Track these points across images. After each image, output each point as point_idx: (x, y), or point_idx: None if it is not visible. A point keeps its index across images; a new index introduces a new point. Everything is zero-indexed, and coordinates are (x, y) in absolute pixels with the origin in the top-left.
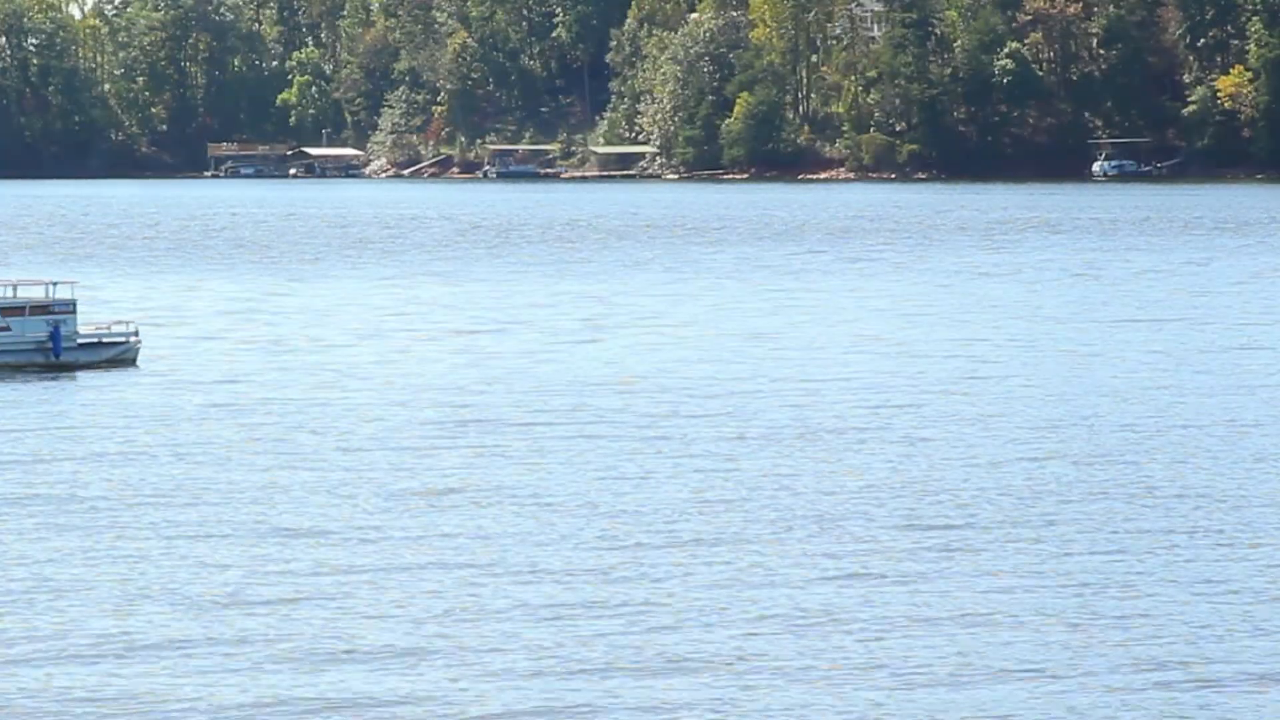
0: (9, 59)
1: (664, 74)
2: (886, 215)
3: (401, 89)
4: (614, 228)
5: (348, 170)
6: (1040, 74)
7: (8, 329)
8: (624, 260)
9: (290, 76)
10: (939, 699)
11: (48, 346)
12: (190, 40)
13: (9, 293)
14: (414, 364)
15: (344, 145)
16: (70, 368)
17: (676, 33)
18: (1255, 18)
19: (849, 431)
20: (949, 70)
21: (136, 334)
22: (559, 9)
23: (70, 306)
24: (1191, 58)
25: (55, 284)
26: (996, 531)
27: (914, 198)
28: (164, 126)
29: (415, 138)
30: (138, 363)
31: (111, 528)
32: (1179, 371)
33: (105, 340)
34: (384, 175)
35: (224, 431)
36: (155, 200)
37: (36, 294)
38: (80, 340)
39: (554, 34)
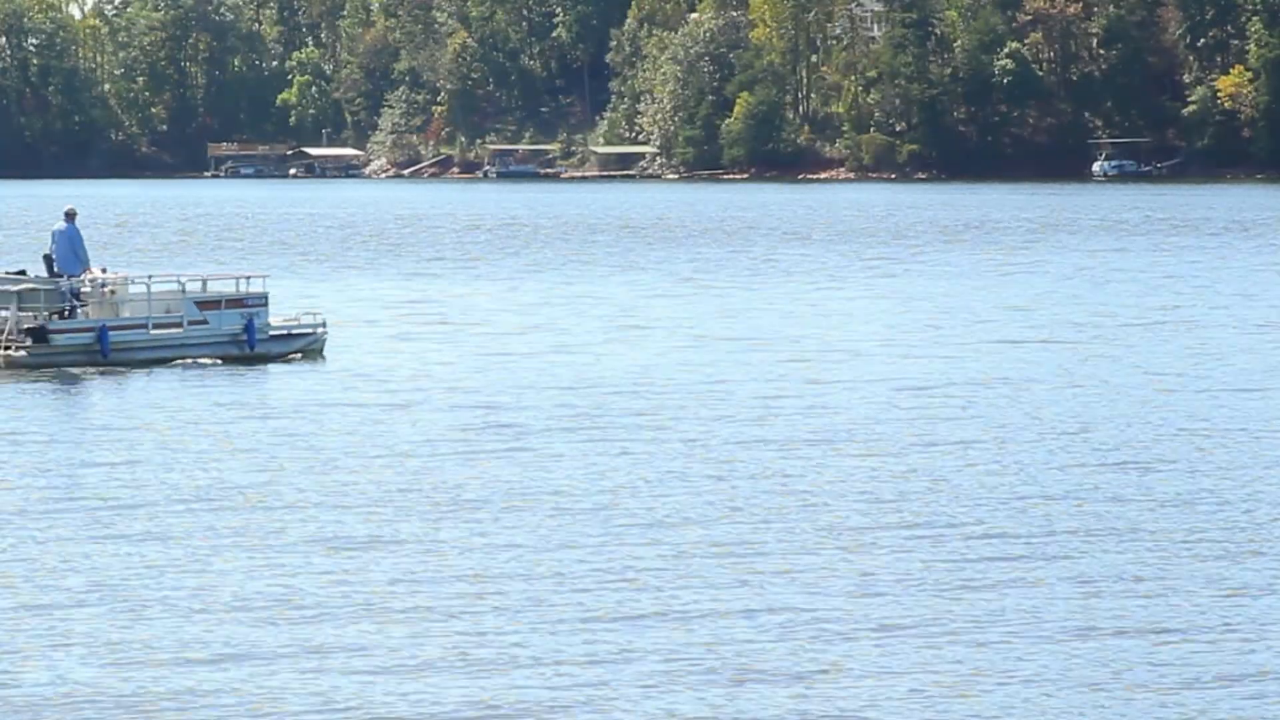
0: (9, 59)
1: (664, 74)
2: (896, 216)
3: (401, 89)
4: (701, 227)
5: (348, 170)
6: (1040, 74)
7: (205, 322)
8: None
9: (290, 76)
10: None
11: (242, 339)
12: (190, 40)
13: (202, 287)
14: (602, 362)
15: (344, 145)
16: (263, 359)
17: (676, 33)
18: (1255, 18)
19: (895, 436)
20: (949, 70)
21: (324, 325)
22: (559, 9)
23: (263, 300)
24: (1191, 58)
25: (249, 278)
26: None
27: (919, 198)
28: (164, 126)
29: (415, 138)
30: (324, 353)
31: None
32: (1215, 373)
33: (294, 332)
34: (384, 175)
35: (407, 427)
36: (180, 200)
37: (231, 288)
38: (272, 332)
39: (554, 34)
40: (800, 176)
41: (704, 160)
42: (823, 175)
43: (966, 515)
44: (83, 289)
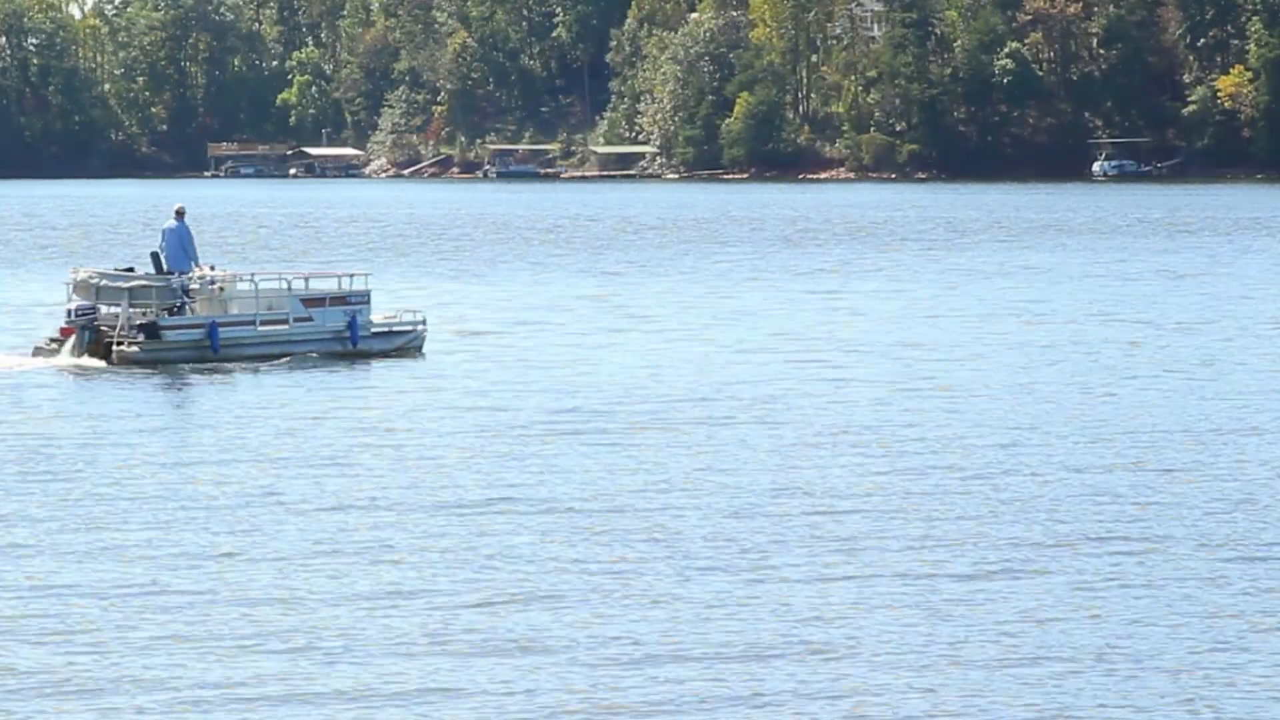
0: (9, 59)
1: (664, 74)
2: (907, 216)
3: (401, 89)
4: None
5: (348, 170)
6: (1040, 74)
7: (309, 319)
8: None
9: (290, 76)
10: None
11: (345, 335)
12: (190, 40)
13: (306, 284)
14: (704, 366)
15: (344, 145)
16: (365, 355)
17: (676, 33)
18: (1255, 18)
19: (928, 439)
20: (949, 70)
21: (424, 323)
22: (559, 9)
23: (365, 297)
24: (1191, 58)
25: (351, 276)
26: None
27: (924, 198)
28: (164, 126)
29: (415, 138)
30: (423, 351)
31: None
32: (1232, 374)
33: (395, 329)
34: (384, 175)
35: (508, 425)
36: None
37: (335, 285)
38: (373, 330)
39: (554, 34)
40: (800, 176)
41: (704, 160)
42: (823, 175)
43: (985, 518)
44: (192, 286)
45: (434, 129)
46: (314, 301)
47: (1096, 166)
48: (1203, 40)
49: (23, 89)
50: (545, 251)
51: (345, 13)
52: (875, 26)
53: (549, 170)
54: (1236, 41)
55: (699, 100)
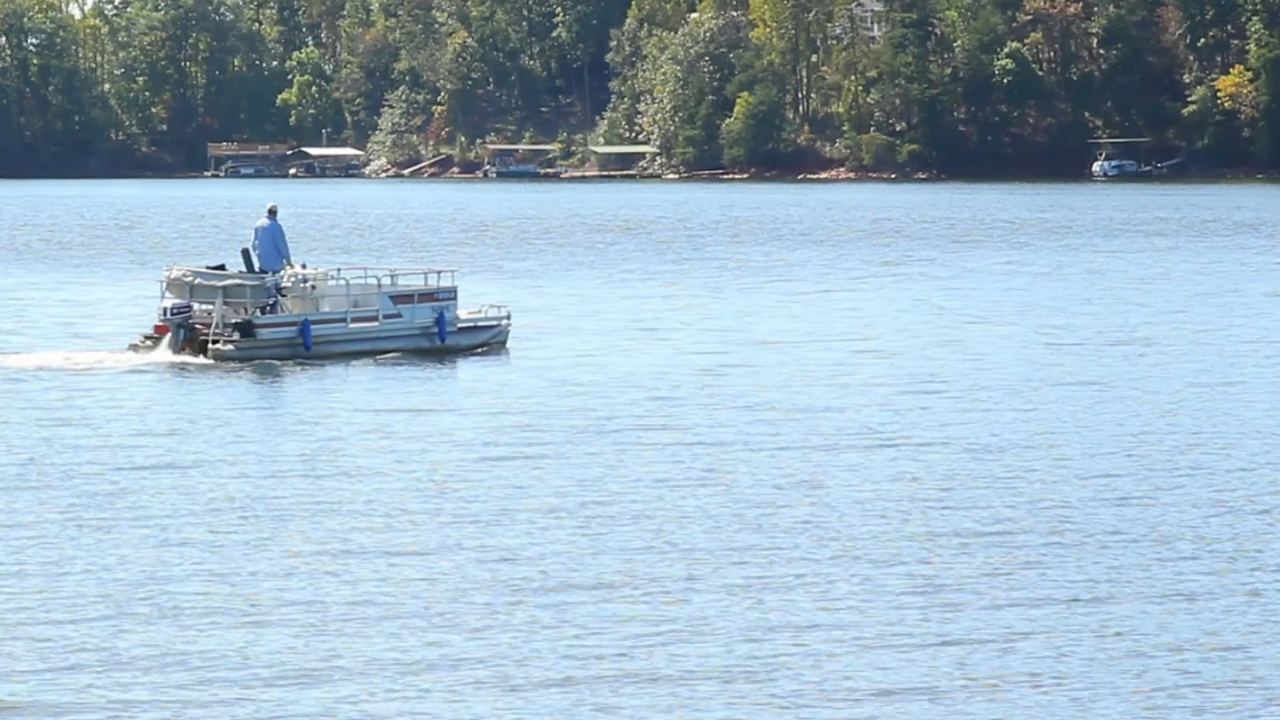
0: (9, 59)
1: (664, 74)
2: (921, 216)
3: (401, 89)
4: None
5: (348, 170)
6: (1040, 74)
7: (399, 316)
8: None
9: (290, 76)
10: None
11: (433, 331)
12: (190, 40)
13: (392, 281)
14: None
15: (344, 145)
16: (452, 351)
17: (676, 33)
18: (1255, 18)
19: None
20: (949, 70)
21: (508, 318)
22: (559, 9)
23: (452, 293)
24: (1191, 58)
25: (439, 273)
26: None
27: (931, 198)
28: (164, 126)
29: (415, 138)
30: (507, 345)
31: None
32: (1249, 376)
33: (480, 324)
34: (384, 175)
35: (586, 418)
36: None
37: (423, 282)
38: (460, 325)
39: (554, 34)
40: (800, 176)
41: (704, 160)
42: (823, 175)
43: (1004, 519)
44: (284, 284)
45: (434, 129)
46: (403, 298)
47: (1096, 166)
48: (1203, 40)
49: (23, 89)
50: (624, 250)
51: (345, 13)
52: (875, 26)
53: (549, 170)
54: (1236, 41)
55: (699, 100)
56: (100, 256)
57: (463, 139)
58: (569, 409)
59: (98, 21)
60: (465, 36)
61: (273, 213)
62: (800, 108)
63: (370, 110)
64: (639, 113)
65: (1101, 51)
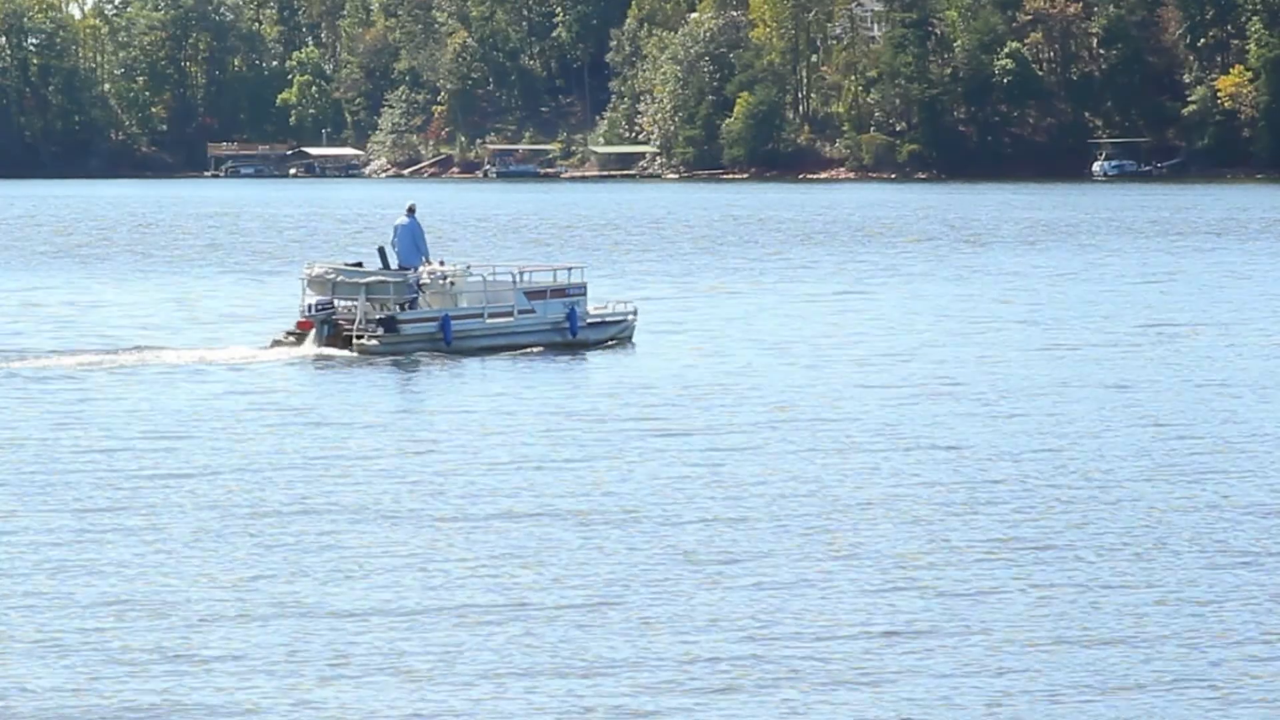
0: (9, 59)
1: (664, 74)
2: (937, 216)
3: (401, 89)
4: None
5: (348, 170)
6: (1040, 74)
7: (532, 311)
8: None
9: (290, 76)
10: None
11: (564, 326)
12: (190, 40)
13: (527, 278)
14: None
15: (344, 145)
16: (582, 345)
17: (676, 33)
18: (1255, 18)
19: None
20: (949, 70)
21: (634, 313)
22: (559, 9)
23: (583, 289)
24: (1191, 58)
25: (569, 269)
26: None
27: (945, 199)
28: (164, 126)
29: (415, 137)
30: (633, 340)
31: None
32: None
33: (608, 320)
34: (384, 175)
35: (714, 415)
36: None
37: (555, 278)
38: (590, 320)
39: (554, 34)
40: (800, 176)
41: (704, 160)
42: (823, 175)
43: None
44: (423, 280)
45: (434, 129)
46: (536, 294)
47: (1096, 166)
48: (1203, 40)
49: (23, 89)
50: (738, 249)
51: (345, 13)
52: (875, 26)
53: (549, 170)
54: (1236, 41)
55: (699, 100)
56: (183, 255)
57: (463, 139)
58: (699, 404)
59: (98, 21)
60: (465, 36)
61: (411, 211)
62: (800, 108)
63: (370, 110)
64: (639, 113)
65: (1101, 51)
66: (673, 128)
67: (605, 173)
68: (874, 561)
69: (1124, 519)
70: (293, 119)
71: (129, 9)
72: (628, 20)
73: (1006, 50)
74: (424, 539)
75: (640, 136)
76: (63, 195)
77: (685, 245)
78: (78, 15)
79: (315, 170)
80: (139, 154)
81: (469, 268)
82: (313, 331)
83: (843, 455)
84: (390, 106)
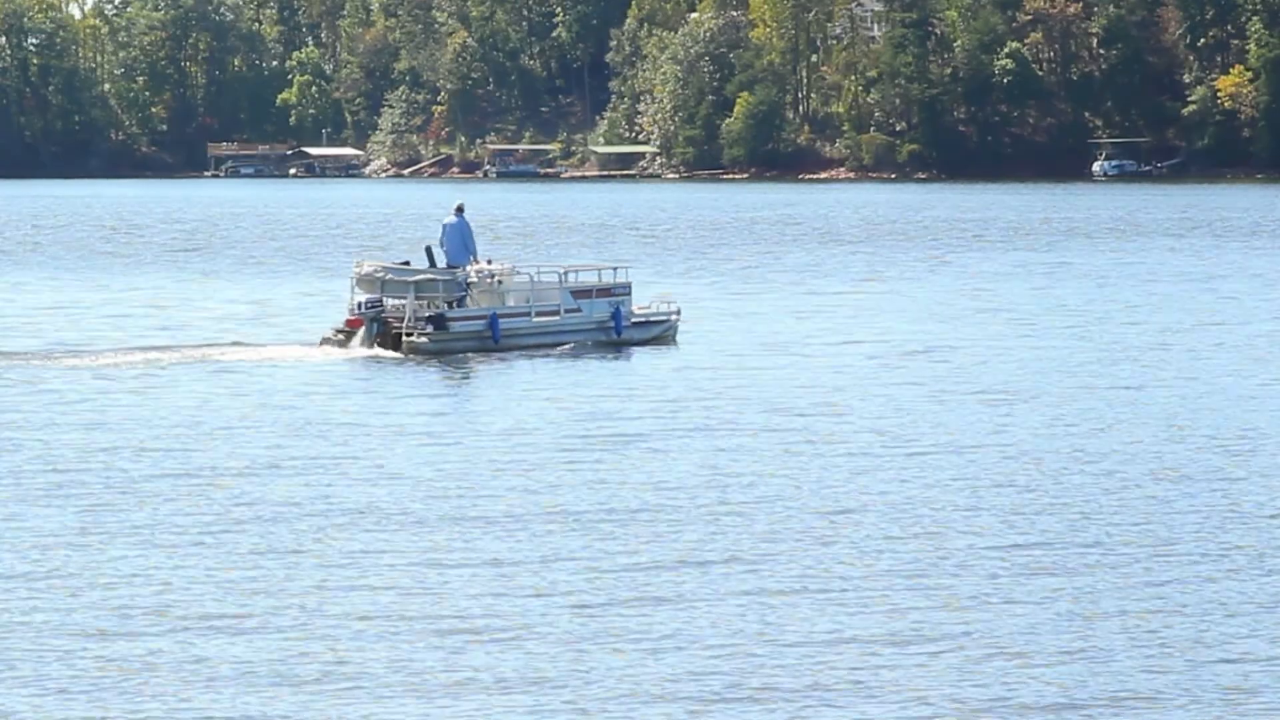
0: (9, 59)
1: (664, 74)
2: (952, 217)
3: (401, 89)
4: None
5: (348, 170)
6: (1040, 74)
7: (578, 310)
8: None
9: (290, 76)
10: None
11: (609, 325)
12: (190, 40)
13: (573, 278)
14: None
15: (344, 145)
16: (626, 344)
17: (676, 33)
18: (1255, 18)
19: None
20: (949, 70)
21: (678, 312)
22: (559, 9)
23: (627, 289)
24: (1191, 58)
25: (615, 269)
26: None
27: (960, 199)
28: (164, 126)
29: (415, 137)
30: (676, 339)
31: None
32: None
33: (652, 319)
34: (384, 175)
35: (754, 413)
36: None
37: (600, 278)
38: (634, 319)
39: (554, 34)
40: (800, 176)
41: (704, 160)
42: (823, 175)
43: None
44: (471, 279)
45: (434, 129)
46: (582, 293)
47: (1096, 166)
48: (1203, 40)
49: (23, 89)
50: (786, 249)
51: (345, 13)
52: (875, 26)
53: (549, 170)
54: (1236, 41)
55: (699, 100)
56: (220, 255)
57: (463, 139)
58: (742, 405)
59: (98, 21)
60: (465, 36)
61: (460, 210)
62: (800, 108)
63: (370, 110)
64: (639, 113)
65: (1101, 51)
66: (673, 128)
67: (605, 173)
68: (915, 569)
69: (1131, 521)
70: (293, 119)
71: (129, 9)
72: (628, 20)
73: (1006, 50)
74: (470, 539)
75: (640, 136)
76: (65, 196)
77: (729, 245)
78: (78, 15)
79: (315, 170)
80: (139, 154)
81: (513, 267)
82: (362, 329)
83: (908, 459)
84: (390, 106)
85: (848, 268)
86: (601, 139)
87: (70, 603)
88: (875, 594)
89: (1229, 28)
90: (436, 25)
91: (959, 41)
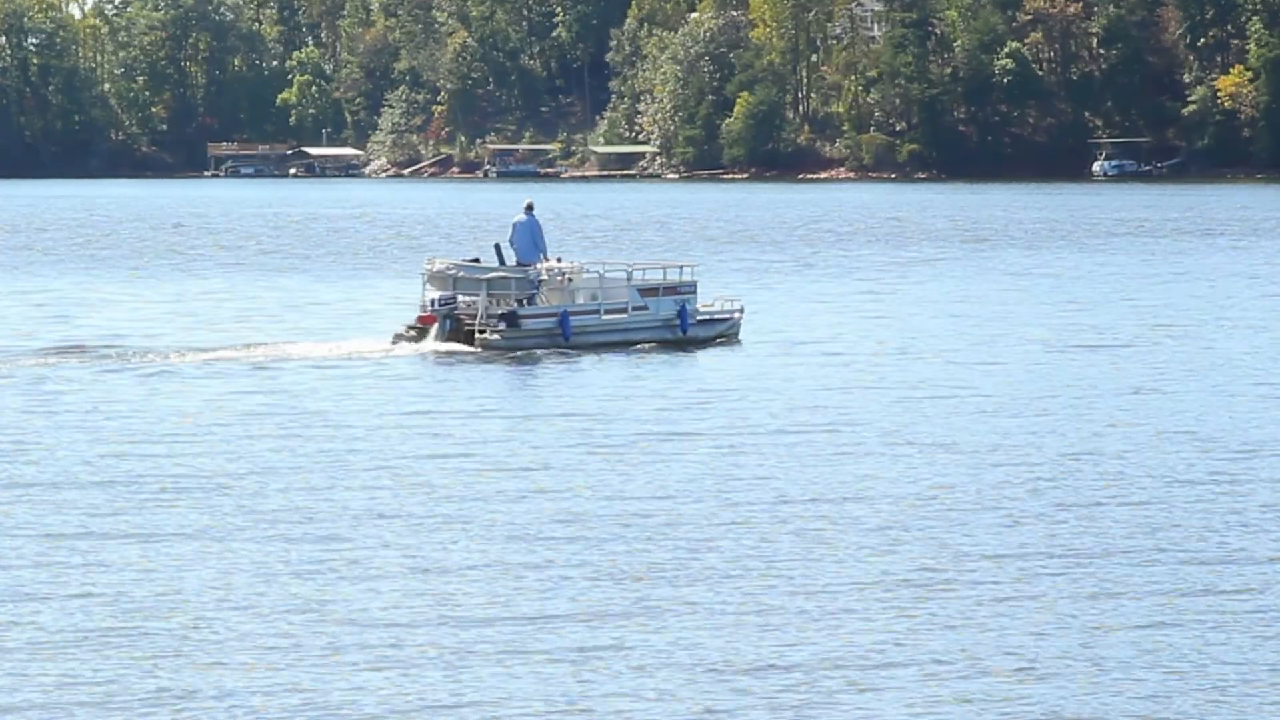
0: (9, 59)
1: (664, 74)
2: (972, 218)
3: (401, 89)
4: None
5: (348, 170)
6: (1040, 74)
7: (645, 308)
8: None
9: (290, 76)
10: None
11: (675, 323)
12: (190, 40)
13: (640, 275)
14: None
15: (344, 145)
16: (692, 342)
17: (676, 33)
18: (1255, 18)
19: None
20: (949, 70)
21: (741, 311)
22: (559, 9)
23: (693, 287)
24: (1191, 58)
25: (680, 267)
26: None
27: (973, 199)
28: (164, 126)
29: (415, 137)
30: (739, 337)
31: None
32: None
33: (717, 317)
34: (384, 175)
35: (823, 413)
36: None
37: (667, 276)
38: (699, 317)
39: (554, 34)
40: (800, 176)
41: (704, 160)
42: (823, 175)
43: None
44: (542, 277)
45: (434, 129)
46: (649, 291)
47: (1096, 166)
48: (1203, 40)
49: (23, 89)
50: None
51: (345, 13)
52: (875, 26)
53: (549, 170)
54: (1236, 41)
55: (699, 100)
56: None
57: (463, 139)
58: (811, 409)
59: (98, 21)
60: (465, 36)
61: (529, 208)
62: (800, 108)
63: (370, 110)
64: (639, 113)
65: (1101, 51)
66: (673, 128)
67: (605, 173)
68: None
69: (1138, 525)
70: (293, 119)
71: (129, 9)
72: (628, 20)
73: (1006, 50)
74: (528, 537)
75: (640, 136)
76: (66, 196)
77: (789, 245)
78: (78, 15)
79: (315, 170)
80: (139, 154)
81: (574, 266)
82: (435, 326)
83: (975, 462)
84: (390, 106)
85: (912, 267)
86: (601, 139)
87: (222, 583)
88: (949, 602)
89: (1229, 28)
90: (436, 25)
91: (959, 41)
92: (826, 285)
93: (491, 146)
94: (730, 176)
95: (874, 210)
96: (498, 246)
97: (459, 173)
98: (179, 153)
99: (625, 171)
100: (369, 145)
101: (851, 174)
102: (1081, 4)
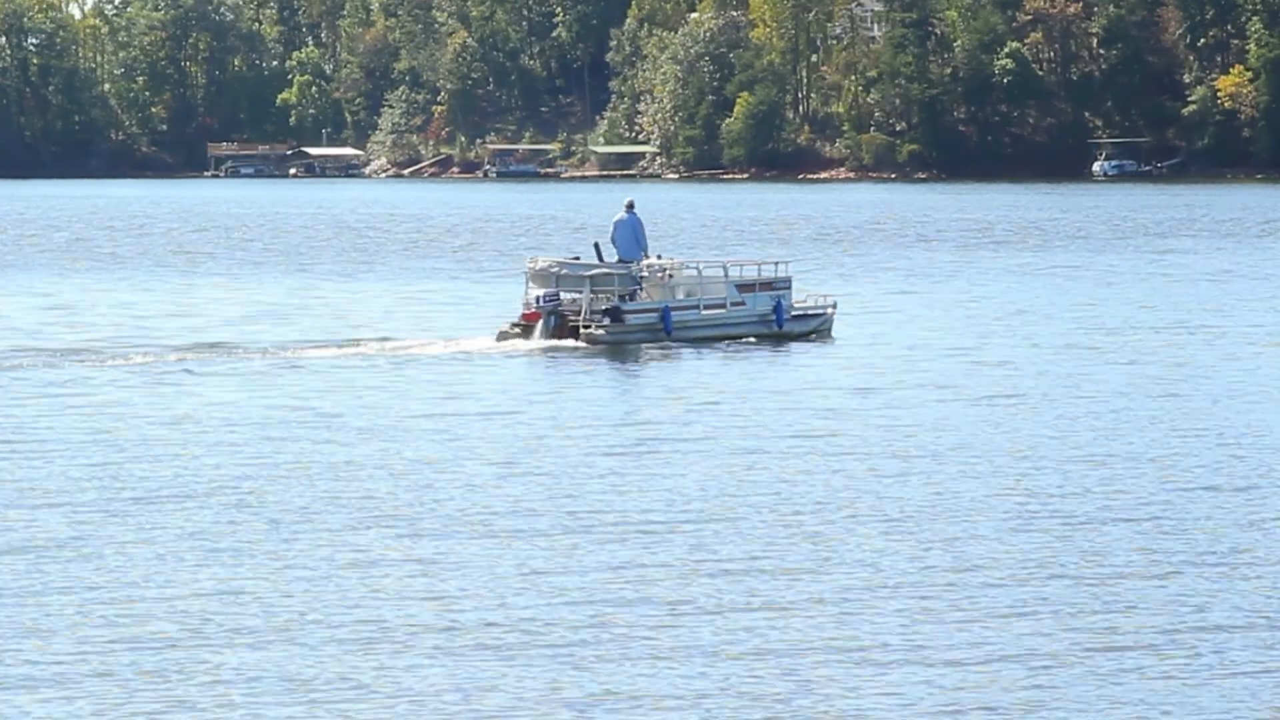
0: (9, 59)
1: (664, 74)
2: (988, 218)
3: (401, 89)
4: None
5: (348, 170)
6: (1040, 74)
7: (742, 304)
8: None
9: (290, 76)
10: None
11: (771, 319)
12: (190, 40)
13: (737, 272)
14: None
15: (344, 145)
16: (787, 338)
17: (676, 33)
18: (1255, 18)
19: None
20: (949, 70)
21: (834, 306)
22: (559, 9)
23: (788, 283)
24: (1191, 58)
25: (775, 263)
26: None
27: (987, 199)
28: (164, 126)
29: (415, 137)
30: (832, 333)
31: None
32: None
33: (810, 313)
34: (384, 175)
35: (910, 415)
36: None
37: (764, 272)
38: (794, 313)
39: (554, 34)
40: (800, 176)
41: (704, 160)
42: (823, 175)
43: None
44: (643, 273)
45: (434, 129)
46: (746, 287)
47: (1096, 166)
48: (1203, 40)
49: (23, 89)
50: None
51: (345, 13)
52: (875, 26)
53: (549, 170)
54: (1236, 41)
55: (699, 100)
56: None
57: (463, 139)
58: (904, 401)
59: (98, 21)
60: (465, 36)
61: (630, 206)
62: (800, 108)
63: (370, 110)
64: (639, 113)
65: (1101, 51)
66: (673, 128)
67: (605, 173)
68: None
69: (1148, 529)
70: (293, 119)
71: (129, 9)
72: (628, 20)
73: (1006, 50)
74: (621, 536)
75: (640, 136)
76: (66, 196)
77: (875, 244)
78: (78, 15)
79: (315, 170)
80: (139, 154)
81: (684, 262)
82: (540, 323)
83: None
84: (390, 106)
85: (1002, 267)
86: (601, 139)
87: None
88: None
89: (1229, 28)
90: (436, 25)
91: (959, 41)
92: (917, 285)
93: (491, 146)
94: (730, 176)
95: (926, 211)
96: (597, 245)
97: (459, 173)
98: (179, 153)
99: (625, 172)
100: (369, 145)
101: (851, 174)
102: (1081, 4)
